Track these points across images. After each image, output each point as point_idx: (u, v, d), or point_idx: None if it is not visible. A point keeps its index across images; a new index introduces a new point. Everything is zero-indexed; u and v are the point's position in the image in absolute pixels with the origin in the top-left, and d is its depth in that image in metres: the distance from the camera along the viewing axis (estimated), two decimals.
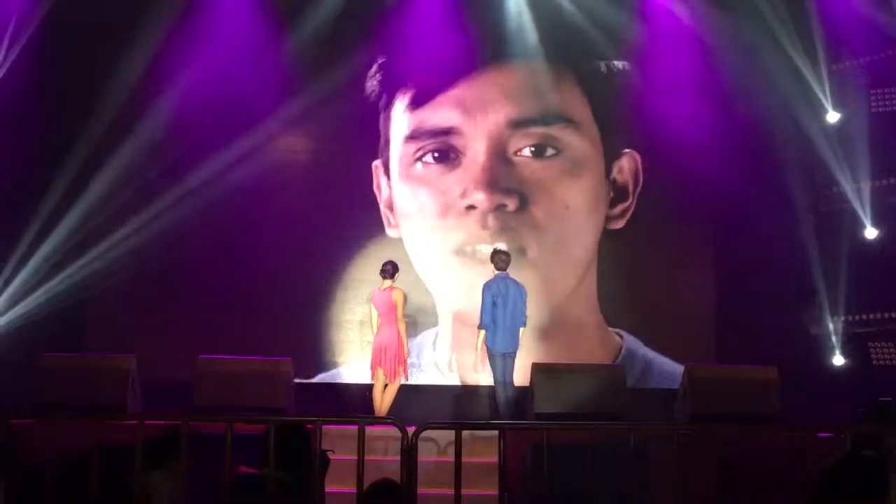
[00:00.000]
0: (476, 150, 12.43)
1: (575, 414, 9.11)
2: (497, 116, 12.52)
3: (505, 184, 12.39)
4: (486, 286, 10.64)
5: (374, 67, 12.68)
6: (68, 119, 12.17)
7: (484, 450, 8.08)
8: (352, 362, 12.13)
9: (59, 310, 11.73)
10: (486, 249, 11.88)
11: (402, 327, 10.81)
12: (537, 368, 10.06)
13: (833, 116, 12.33)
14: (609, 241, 12.43)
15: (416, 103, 12.60)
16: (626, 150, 12.61)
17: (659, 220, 12.46)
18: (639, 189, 12.58)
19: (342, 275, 12.43)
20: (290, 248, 12.30)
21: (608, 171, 12.60)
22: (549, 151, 12.51)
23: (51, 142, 12.12)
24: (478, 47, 12.59)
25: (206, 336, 11.87)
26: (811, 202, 12.23)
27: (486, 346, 10.57)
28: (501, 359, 10.54)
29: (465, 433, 6.27)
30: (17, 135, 11.81)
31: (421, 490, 5.62)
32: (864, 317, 12.04)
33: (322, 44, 12.34)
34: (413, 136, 12.57)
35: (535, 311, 11.48)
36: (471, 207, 12.34)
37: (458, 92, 12.58)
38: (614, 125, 12.59)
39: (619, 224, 12.56)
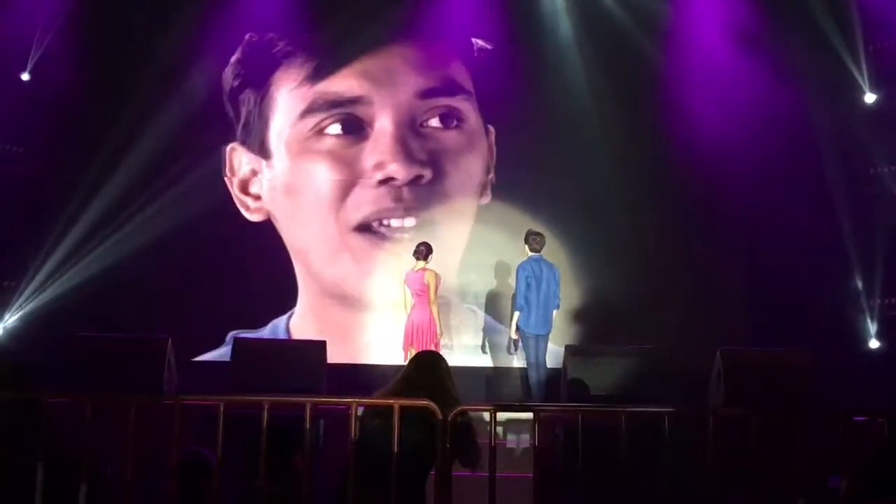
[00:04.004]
0: (384, 121, 12.31)
1: (608, 396, 9.10)
2: (405, 86, 12.45)
3: (419, 155, 12.31)
4: (521, 267, 10.64)
5: (243, 50, 12.55)
6: (103, 104, 12.26)
7: (517, 432, 8.09)
8: (385, 342, 12.13)
9: (94, 290, 11.83)
10: (396, 223, 12.04)
11: (435, 308, 10.84)
12: (570, 350, 10.05)
13: (870, 97, 12.21)
14: (639, 225, 12.34)
15: (314, 77, 12.43)
16: (487, 125, 12.59)
17: (693, 202, 12.38)
18: (494, 163, 12.54)
19: (374, 254, 12.43)
20: None
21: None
22: (453, 122, 12.47)
23: (86, 126, 12.22)
24: (377, 21, 12.47)
25: (237, 318, 12.03)
26: (848, 184, 12.10)
27: (520, 327, 10.57)
28: (534, 340, 10.55)
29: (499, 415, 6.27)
30: (53, 120, 11.95)
31: (455, 472, 5.64)
32: None
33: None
34: (311, 109, 12.36)
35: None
36: (386, 180, 12.21)
37: (362, 64, 12.47)
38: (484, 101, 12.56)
39: (487, 199, 12.53)
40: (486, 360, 12.24)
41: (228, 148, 12.44)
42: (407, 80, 12.50)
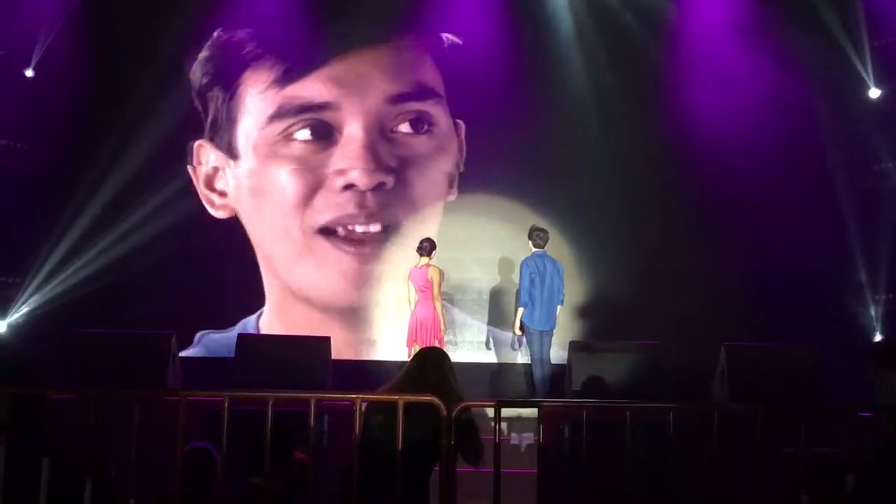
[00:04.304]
0: (353, 127, 12.31)
1: (613, 392, 9.10)
2: (374, 92, 12.43)
3: (385, 161, 12.28)
4: (525, 263, 10.64)
5: (211, 45, 12.56)
6: (106, 101, 12.30)
7: (522, 428, 8.09)
8: (389, 339, 12.14)
9: (98, 287, 11.86)
10: (360, 229, 12.03)
11: (439, 304, 10.85)
12: (575, 346, 10.05)
13: (875, 93, 12.19)
14: (643, 221, 12.33)
15: (282, 81, 12.42)
16: (456, 121, 12.57)
17: (697, 198, 12.37)
18: (464, 158, 12.55)
19: (378, 251, 12.45)
20: None
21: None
22: (423, 127, 12.47)
23: (89, 123, 12.25)
24: (348, 27, 12.47)
25: (240, 314, 12.07)
26: (852, 180, 12.09)
27: (524, 323, 10.57)
28: (539, 336, 10.54)
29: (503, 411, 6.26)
30: (56, 117, 11.97)
31: (460, 468, 5.63)
32: None
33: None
34: (280, 114, 12.37)
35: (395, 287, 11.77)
36: (348, 186, 12.19)
37: (331, 69, 12.46)
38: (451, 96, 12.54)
39: (453, 196, 12.53)
40: (490, 356, 12.25)
41: (196, 143, 12.47)
42: (377, 86, 12.49)
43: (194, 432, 5.71)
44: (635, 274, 12.24)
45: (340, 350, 11.34)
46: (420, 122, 12.45)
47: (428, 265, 10.90)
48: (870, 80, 12.15)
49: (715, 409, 6.14)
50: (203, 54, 12.52)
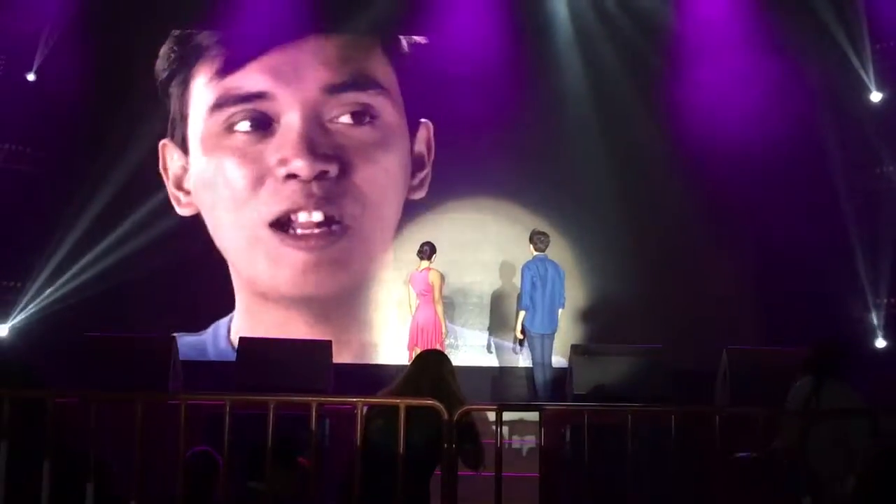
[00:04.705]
0: (291, 117, 12.29)
1: (614, 395, 9.10)
2: (312, 82, 12.44)
3: (324, 150, 12.25)
4: (526, 267, 10.64)
5: (170, 43, 12.58)
6: (108, 104, 12.34)
7: (523, 431, 8.09)
8: (390, 343, 12.14)
9: (102, 291, 11.87)
10: (307, 219, 12.02)
11: (440, 308, 10.84)
12: (576, 350, 10.04)
13: (876, 96, 12.19)
14: (645, 225, 12.33)
15: (223, 72, 12.43)
16: (422, 120, 12.54)
17: (700, 201, 12.36)
18: (433, 157, 12.53)
19: (381, 255, 12.46)
20: None
21: (411, 140, 12.55)
22: (364, 118, 12.42)
23: (91, 126, 12.29)
24: (288, 17, 12.39)
25: (266, 321, 12.15)
26: (854, 183, 12.08)
27: (525, 327, 10.57)
28: (540, 340, 10.55)
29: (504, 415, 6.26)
30: (58, 120, 12.02)
31: (461, 472, 5.63)
32: None
33: None
34: (219, 105, 12.37)
35: (350, 279, 12.11)
36: (291, 176, 12.15)
37: (269, 59, 12.46)
38: (415, 95, 12.50)
39: (421, 194, 12.52)
40: (491, 360, 12.25)
41: (161, 144, 12.51)
42: (314, 76, 12.48)
43: (196, 436, 5.71)
44: (637, 277, 12.24)
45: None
46: (361, 114, 12.41)
47: (428, 269, 10.89)
48: (871, 83, 12.15)
49: (717, 412, 6.14)
50: (163, 50, 12.56)
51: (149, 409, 5.22)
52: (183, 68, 12.55)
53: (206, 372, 11.04)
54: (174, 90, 12.53)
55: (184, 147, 12.50)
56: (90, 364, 9.04)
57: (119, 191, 12.17)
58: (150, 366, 9.17)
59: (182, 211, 12.40)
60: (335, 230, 12.18)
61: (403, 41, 12.67)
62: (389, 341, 12.15)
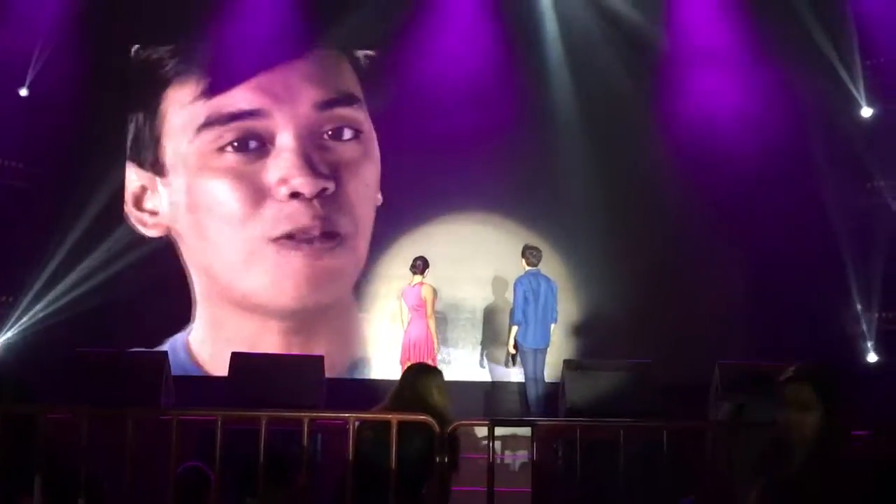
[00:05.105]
0: (285, 135, 12.31)
1: (607, 411, 9.08)
2: (303, 100, 12.48)
3: (322, 168, 12.30)
4: (518, 282, 10.64)
5: (136, 64, 12.60)
6: (100, 119, 12.38)
7: (516, 446, 8.08)
8: (382, 357, 12.12)
9: (93, 306, 11.87)
10: (313, 236, 12.12)
11: (432, 323, 10.83)
12: (568, 365, 10.04)
13: (867, 112, 12.22)
14: (636, 239, 12.34)
15: (210, 92, 12.43)
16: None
17: (691, 216, 12.38)
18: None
19: (371, 270, 12.46)
20: None
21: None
22: (349, 134, 12.50)
23: (83, 142, 12.31)
24: (276, 38, 12.44)
25: (238, 333, 12.11)
26: (845, 198, 12.10)
27: (518, 342, 10.57)
28: (533, 355, 10.55)
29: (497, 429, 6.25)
30: (51, 135, 12.04)
31: (453, 486, 5.62)
32: None
33: None
34: (208, 125, 12.35)
35: (344, 292, 12.28)
36: (294, 195, 12.18)
37: (258, 78, 12.49)
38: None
39: (379, 200, 12.51)
40: (484, 375, 12.24)
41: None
42: (305, 93, 12.54)
43: (188, 451, 5.70)
44: (630, 292, 12.23)
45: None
46: (348, 129, 12.50)
47: (421, 283, 10.88)
48: (862, 99, 12.18)
49: (709, 427, 6.15)
50: (131, 70, 12.60)
51: (140, 425, 5.22)
52: (147, 92, 12.54)
53: (197, 387, 11.02)
54: (135, 113, 12.51)
55: (155, 169, 12.45)
56: (81, 380, 9.01)
57: (109, 204, 12.22)
58: (142, 381, 9.15)
59: (148, 232, 12.41)
60: (336, 245, 12.25)
61: (368, 54, 12.70)
62: (382, 356, 12.13)
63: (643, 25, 12.52)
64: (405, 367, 6.49)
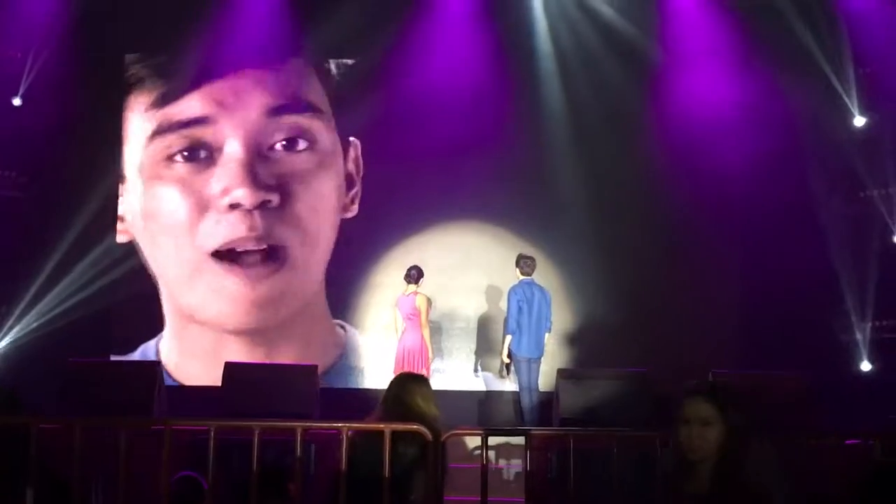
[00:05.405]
0: (233, 146, 12.26)
1: (601, 420, 9.08)
2: (252, 109, 12.41)
3: (266, 179, 12.22)
4: (512, 291, 10.64)
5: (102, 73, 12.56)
6: (94, 127, 12.38)
7: (509, 455, 8.07)
8: (376, 367, 12.11)
9: (85, 316, 11.86)
10: (249, 248, 12.04)
11: (427, 332, 10.84)
12: (563, 374, 10.03)
13: (860, 121, 12.25)
14: (631, 248, 12.34)
15: (162, 101, 12.41)
16: (350, 139, 12.56)
17: (684, 225, 12.38)
18: (361, 175, 12.54)
19: (365, 279, 12.45)
20: None
21: (344, 160, 12.57)
22: (302, 144, 12.41)
23: (77, 151, 12.31)
24: (228, 46, 12.38)
25: (197, 343, 12.23)
26: (838, 207, 12.12)
27: (512, 351, 10.57)
28: (527, 364, 10.54)
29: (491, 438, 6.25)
30: (44, 144, 12.06)
31: (447, 496, 5.62)
32: (891, 322, 11.95)
33: None
34: (159, 133, 12.33)
35: (288, 309, 12.17)
36: (234, 206, 12.12)
37: (210, 87, 12.44)
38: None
39: (353, 212, 12.49)
40: (478, 384, 12.23)
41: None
42: (254, 101, 12.47)
43: (181, 461, 5.69)
44: (623, 302, 12.24)
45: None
46: (299, 139, 12.40)
47: (415, 293, 10.89)
48: (854, 108, 12.21)
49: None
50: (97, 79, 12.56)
51: (133, 435, 5.21)
52: (111, 97, 12.54)
53: (191, 397, 11.01)
54: (108, 120, 12.51)
55: (117, 174, 12.50)
56: (75, 389, 8.99)
57: (101, 214, 12.24)
58: (136, 391, 9.12)
59: (119, 237, 12.40)
60: (277, 261, 12.12)
61: (344, 63, 12.70)
62: (376, 365, 12.11)
63: (635, 35, 12.53)
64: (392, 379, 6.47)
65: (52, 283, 11.93)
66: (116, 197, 12.41)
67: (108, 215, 12.34)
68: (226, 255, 12.11)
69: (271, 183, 12.21)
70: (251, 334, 12.25)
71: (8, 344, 11.81)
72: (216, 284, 12.12)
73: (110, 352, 12.00)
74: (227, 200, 12.10)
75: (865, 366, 11.98)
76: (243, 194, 12.08)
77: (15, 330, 11.82)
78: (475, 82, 12.38)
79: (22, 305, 11.85)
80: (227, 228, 12.09)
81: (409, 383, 5.98)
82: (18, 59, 12.00)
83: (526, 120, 12.53)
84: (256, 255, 12.10)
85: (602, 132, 12.45)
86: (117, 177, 12.42)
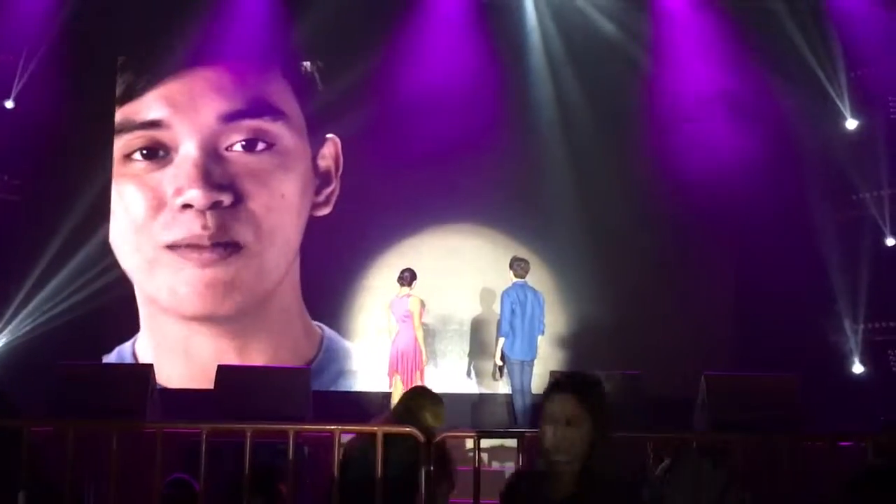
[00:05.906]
0: (187, 147, 12.31)
1: None
2: (207, 111, 12.45)
3: (219, 180, 12.28)
4: (505, 293, 10.65)
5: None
6: (88, 131, 12.39)
7: (503, 457, 8.07)
8: (369, 369, 12.10)
9: (77, 318, 11.85)
10: (201, 244, 12.12)
11: (420, 334, 10.83)
12: (555, 376, 10.01)
13: (852, 124, 12.28)
14: (624, 251, 12.36)
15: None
16: (329, 136, 12.57)
17: (677, 228, 12.40)
18: (340, 172, 12.57)
19: (358, 282, 12.45)
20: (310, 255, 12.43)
21: (314, 158, 12.57)
22: (260, 145, 12.44)
23: (70, 154, 12.31)
24: (187, 45, 12.42)
25: (169, 338, 12.28)
26: (830, 210, 12.15)
27: (505, 353, 10.57)
28: (520, 366, 10.54)
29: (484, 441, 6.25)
30: (37, 147, 12.05)
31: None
32: (883, 325, 11.98)
33: None
34: (119, 131, 12.44)
35: (245, 300, 12.24)
36: (186, 206, 12.19)
37: (165, 88, 12.49)
38: (318, 115, 12.51)
39: (326, 210, 12.53)
40: (471, 387, 12.23)
41: None
42: (209, 104, 12.49)
43: (173, 464, 5.68)
44: (616, 304, 12.25)
45: (223, 359, 11.41)
46: (257, 141, 12.42)
47: (409, 295, 10.89)
48: (847, 111, 12.24)
49: (695, 438, 6.15)
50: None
51: (125, 438, 5.20)
52: (107, 100, 12.57)
53: (183, 399, 10.98)
54: (100, 123, 12.52)
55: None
56: (67, 392, 8.97)
57: (95, 215, 12.25)
58: (128, 394, 9.10)
59: (110, 237, 12.47)
60: (227, 249, 12.20)
61: (317, 65, 12.68)
62: (368, 368, 12.11)
63: (627, 38, 12.55)
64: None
65: (44, 285, 11.92)
66: (108, 199, 12.40)
67: (99, 218, 12.31)
68: (179, 251, 12.24)
69: (224, 183, 12.29)
70: (217, 324, 12.29)
71: (0, 347, 11.79)
72: (172, 269, 12.23)
73: (101, 354, 11.99)
74: (180, 200, 12.21)
75: (857, 368, 12.02)
76: (195, 195, 12.20)
77: (6, 332, 11.80)
78: (469, 84, 12.40)
79: (13, 308, 11.84)
80: (181, 226, 12.22)
81: (422, 398, 5.91)
82: (10, 63, 11.99)
83: (520, 122, 12.54)
84: (206, 248, 12.20)
85: (595, 135, 12.46)
86: (109, 179, 12.41)
